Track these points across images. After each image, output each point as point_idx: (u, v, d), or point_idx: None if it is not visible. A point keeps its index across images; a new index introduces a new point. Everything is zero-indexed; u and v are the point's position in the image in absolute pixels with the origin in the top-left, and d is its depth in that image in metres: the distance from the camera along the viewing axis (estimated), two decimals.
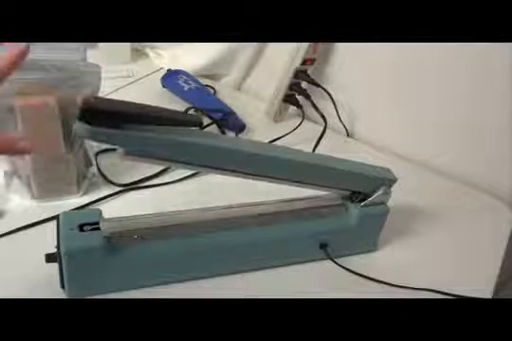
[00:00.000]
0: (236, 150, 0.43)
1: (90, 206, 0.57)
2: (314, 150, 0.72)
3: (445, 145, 0.72)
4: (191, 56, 0.94)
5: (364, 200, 0.51)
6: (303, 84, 0.79)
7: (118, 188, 0.61)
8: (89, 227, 0.44)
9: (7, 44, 0.49)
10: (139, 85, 0.89)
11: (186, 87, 0.85)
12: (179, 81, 0.86)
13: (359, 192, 0.51)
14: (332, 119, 0.78)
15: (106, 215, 0.46)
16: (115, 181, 0.62)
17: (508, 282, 0.56)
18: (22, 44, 0.40)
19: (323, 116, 0.75)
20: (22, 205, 0.56)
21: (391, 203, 0.52)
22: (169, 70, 0.90)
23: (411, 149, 0.75)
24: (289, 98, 0.80)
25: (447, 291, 0.50)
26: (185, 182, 0.64)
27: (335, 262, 0.52)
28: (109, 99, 0.39)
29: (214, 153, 0.42)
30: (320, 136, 0.73)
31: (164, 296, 0.46)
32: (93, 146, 0.63)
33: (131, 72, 0.93)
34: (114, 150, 0.39)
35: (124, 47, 0.96)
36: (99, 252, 0.43)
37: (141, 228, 0.46)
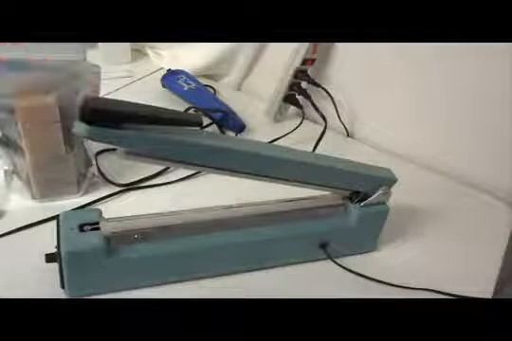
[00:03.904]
0: (236, 150, 0.43)
1: (90, 206, 0.57)
2: (314, 150, 0.72)
3: (445, 145, 0.72)
4: (191, 56, 0.94)
5: (364, 200, 0.51)
6: (303, 84, 0.79)
7: (119, 188, 0.61)
8: (89, 227, 0.44)
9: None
10: (139, 85, 0.89)
11: (186, 87, 0.85)
12: (179, 81, 0.86)
13: (359, 192, 0.51)
14: (332, 119, 0.78)
15: (106, 215, 0.46)
16: (115, 181, 0.62)
17: (508, 282, 0.56)
18: None
19: (323, 116, 0.75)
20: (22, 205, 0.56)
21: (391, 203, 0.52)
22: (169, 70, 0.90)
23: (412, 149, 0.75)
24: (289, 98, 0.80)
25: (447, 291, 0.50)
26: (185, 182, 0.64)
27: (335, 262, 0.52)
28: (109, 99, 0.39)
29: (214, 153, 0.42)
30: (320, 136, 0.73)
31: (164, 296, 0.46)
32: (92, 145, 0.63)
33: (131, 72, 0.93)
34: (114, 150, 0.39)
35: (124, 47, 0.96)
36: (99, 252, 0.43)
37: (141, 228, 0.46)
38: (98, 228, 0.44)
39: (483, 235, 0.60)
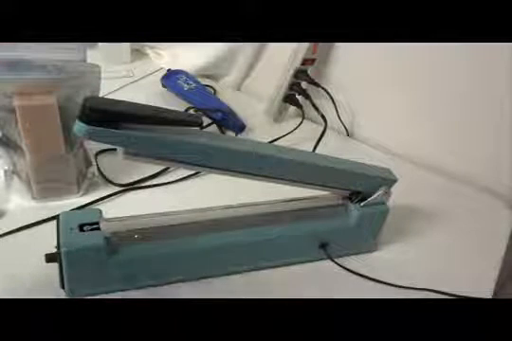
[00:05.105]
0: (236, 150, 0.43)
1: (90, 206, 0.57)
2: (314, 150, 0.72)
3: (445, 145, 0.72)
4: (191, 56, 0.94)
5: (364, 200, 0.51)
6: (303, 84, 0.79)
7: (118, 188, 0.61)
8: (89, 227, 0.44)
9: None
10: (139, 85, 0.89)
11: (186, 87, 0.85)
12: (179, 81, 0.86)
13: (359, 192, 0.51)
14: (332, 119, 0.78)
15: (106, 215, 0.46)
16: (115, 181, 0.62)
17: (508, 282, 0.56)
18: None
19: (323, 116, 0.75)
20: (22, 205, 0.56)
21: (391, 203, 0.52)
22: (169, 70, 0.90)
23: (412, 149, 0.75)
24: (289, 98, 0.80)
25: (447, 291, 0.50)
26: (185, 182, 0.64)
27: (335, 262, 0.52)
28: (109, 99, 0.39)
29: (214, 153, 0.42)
30: (320, 136, 0.73)
31: (164, 296, 0.46)
32: (92, 145, 0.63)
33: (131, 72, 0.93)
34: (114, 150, 0.39)
35: (124, 47, 0.96)
36: (99, 252, 0.43)
37: (141, 228, 0.46)
38: (98, 228, 0.44)
39: (482, 235, 0.60)
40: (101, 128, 0.36)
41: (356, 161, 0.51)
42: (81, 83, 0.51)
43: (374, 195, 0.50)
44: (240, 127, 0.78)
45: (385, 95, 0.75)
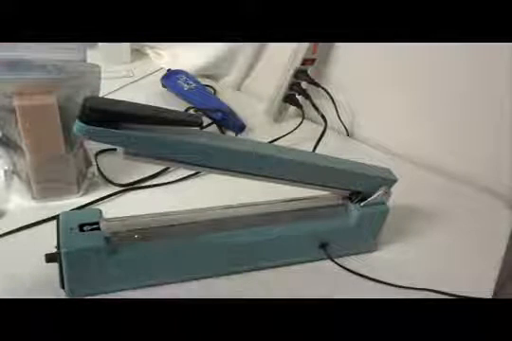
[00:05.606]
0: (236, 150, 0.43)
1: (90, 206, 0.57)
2: (314, 150, 0.72)
3: (445, 145, 0.72)
4: (190, 56, 0.94)
5: (364, 200, 0.51)
6: (303, 84, 0.79)
7: (118, 188, 0.61)
8: (89, 227, 0.44)
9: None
10: (139, 85, 0.89)
11: (186, 87, 0.85)
12: (179, 81, 0.86)
13: (359, 192, 0.51)
14: (332, 119, 0.78)
15: (106, 215, 0.46)
16: (115, 181, 0.62)
17: (508, 282, 0.56)
18: None
19: (323, 116, 0.75)
20: (22, 205, 0.56)
21: (391, 203, 0.52)
22: (169, 70, 0.90)
23: (412, 149, 0.75)
24: (289, 99, 0.80)
25: (447, 291, 0.50)
26: (185, 182, 0.64)
27: (335, 262, 0.52)
28: (109, 99, 0.39)
29: (214, 153, 0.42)
30: (320, 136, 0.73)
31: (164, 296, 0.46)
32: (92, 145, 0.63)
33: (131, 72, 0.93)
34: (114, 150, 0.39)
35: (124, 47, 0.96)
36: (99, 252, 0.43)
37: (141, 228, 0.46)
38: (98, 228, 0.44)
39: (482, 235, 0.60)
40: (101, 128, 0.36)
41: (356, 161, 0.51)
42: (81, 83, 0.51)
43: (374, 195, 0.50)
44: (240, 127, 0.78)
45: (385, 95, 0.75)
